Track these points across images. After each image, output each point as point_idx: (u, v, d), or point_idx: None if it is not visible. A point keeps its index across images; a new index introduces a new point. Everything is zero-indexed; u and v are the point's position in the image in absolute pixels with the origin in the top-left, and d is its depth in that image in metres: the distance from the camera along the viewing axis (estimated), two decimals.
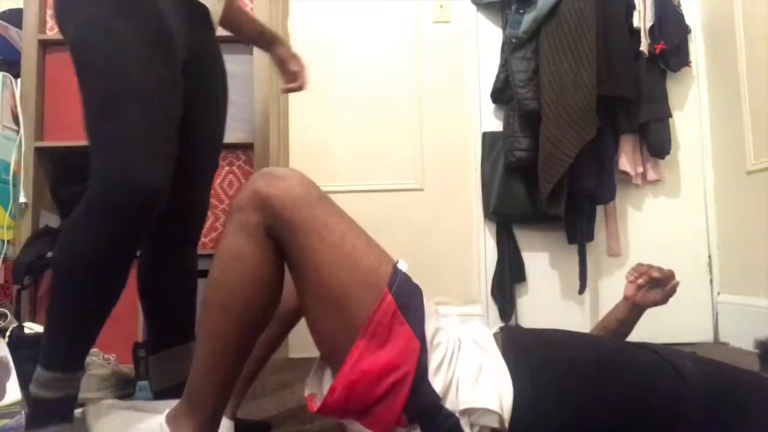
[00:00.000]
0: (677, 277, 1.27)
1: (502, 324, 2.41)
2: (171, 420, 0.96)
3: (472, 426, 0.88)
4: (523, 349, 0.97)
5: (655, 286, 1.26)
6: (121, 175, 1.02)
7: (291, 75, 1.62)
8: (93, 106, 1.07)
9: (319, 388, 0.98)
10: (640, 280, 1.25)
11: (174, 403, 1.00)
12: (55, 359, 1.07)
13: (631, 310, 1.28)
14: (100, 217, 1.03)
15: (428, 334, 0.91)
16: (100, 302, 1.08)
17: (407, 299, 0.92)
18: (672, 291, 1.26)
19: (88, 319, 1.08)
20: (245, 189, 0.94)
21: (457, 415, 0.88)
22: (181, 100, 1.15)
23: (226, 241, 0.94)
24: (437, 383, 0.89)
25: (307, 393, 0.99)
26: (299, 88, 1.63)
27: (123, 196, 1.02)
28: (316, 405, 0.94)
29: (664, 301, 1.27)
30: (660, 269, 1.25)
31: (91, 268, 1.05)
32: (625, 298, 1.28)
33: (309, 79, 1.63)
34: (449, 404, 0.89)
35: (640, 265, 1.28)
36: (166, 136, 1.09)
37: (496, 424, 0.87)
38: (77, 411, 1.13)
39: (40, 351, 1.07)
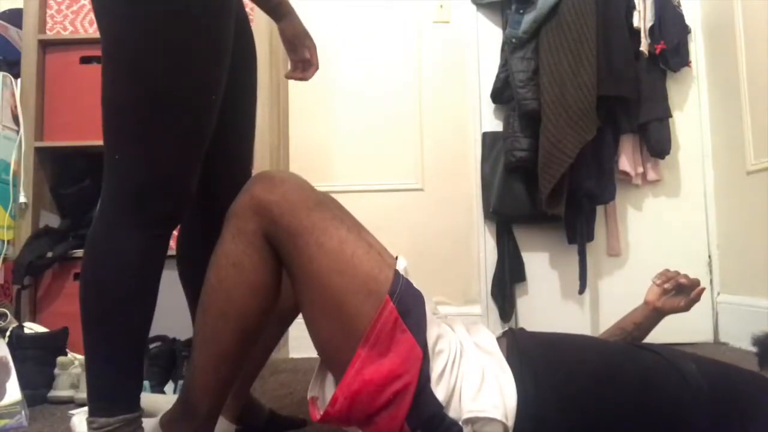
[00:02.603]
0: None
1: (502, 323, 2.42)
2: (166, 424, 0.96)
3: None
4: (528, 353, 0.96)
5: (680, 292, 1.25)
6: (172, 181, 0.96)
7: (297, 59, 1.35)
8: (141, 99, 0.95)
9: (321, 392, 0.97)
10: (667, 285, 1.24)
11: (172, 399, 1.00)
12: (120, 397, 0.95)
13: (650, 315, 1.26)
14: (143, 223, 0.96)
15: (430, 341, 0.90)
16: (148, 315, 0.99)
17: (409, 306, 0.90)
18: (697, 298, 1.24)
19: (142, 340, 1.01)
20: (242, 194, 0.93)
21: (460, 423, 0.88)
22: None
23: (223, 247, 0.93)
24: (440, 391, 0.88)
25: (309, 396, 0.99)
26: (302, 78, 1.35)
27: (171, 204, 0.97)
28: (318, 412, 0.93)
29: (687, 308, 1.25)
30: (686, 276, 1.24)
31: (141, 277, 0.97)
32: (646, 302, 1.26)
33: (318, 65, 1.36)
34: (452, 412, 0.88)
35: (667, 270, 1.27)
36: (207, 138, 1.01)
37: None
38: (71, 412, 1.12)
39: (93, 396, 0.94)
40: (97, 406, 0.94)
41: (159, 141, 0.95)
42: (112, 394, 0.95)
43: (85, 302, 0.96)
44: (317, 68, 1.36)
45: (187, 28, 0.94)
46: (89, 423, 0.93)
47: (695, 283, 1.24)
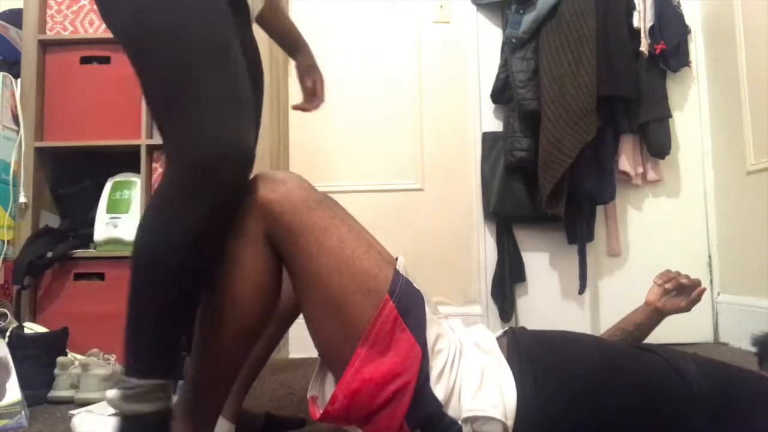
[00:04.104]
0: None
1: (502, 323, 2.42)
2: None
3: None
4: (528, 352, 0.97)
5: (681, 293, 1.25)
6: (234, 138, 0.90)
7: (305, 91, 1.48)
8: (178, 57, 0.92)
9: (321, 391, 0.97)
10: (668, 285, 1.24)
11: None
12: (156, 361, 0.92)
13: (651, 315, 1.26)
14: (207, 188, 0.89)
15: (430, 340, 0.91)
16: (200, 288, 0.95)
17: (408, 305, 0.91)
18: (698, 298, 1.24)
19: (189, 310, 0.95)
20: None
21: (459, 422, 0.88)
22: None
23: (225, 246, 0.93)
24: (439, 390, 0.88)
25: (309, 395, 0.99)
26: (306, 109, 1.48)
27: (232, 166, 0.90)
28: (318, 411, 0.93)
29: (688, 308, 1.25)
30: (687, 276, 1.25)
31: (195, 247, 0.91)
32: (647, 302, 1.27)
33: (323, 98, 1.50)
34: (452, 411, 0.88)
35: (668, 270, 1.27)
36: (250, 105, 0.99)
37: (499, 431, 0.87)
38: (71, 412, 1.12)
39: (129, 357, 0.92)
40: (132, 367, 0.91)
41: (204, 109, 0.91)
42: (150, 358, 0.92)
43: (139, 267, 0.92)
44: (322, 101, 1.49)
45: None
46: (120, 383, 0.91)
47: (696, 283, 1.24)
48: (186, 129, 0.91)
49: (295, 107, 1.47)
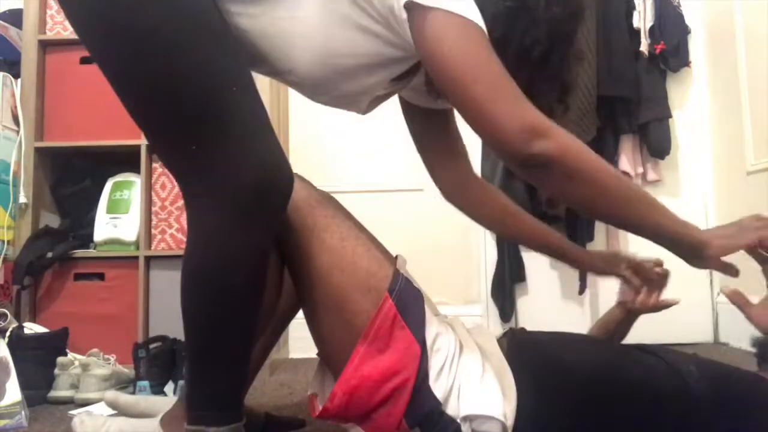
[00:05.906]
0: (678, 278, 1.25)
1: (502, 323, 2.42)
2: (167, 423, 0.96)
3: None
4: (528, 353, 0.97)
5: (651, 288, 1.23)
6: (277, 161, 0.86)
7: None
8: (210, 78, 0.85)
9: (321, 389, 0.98)
10: (634, 280, 1.22)
11: (172, 401, 1.00)
12: (229, 404, 0.89)
13: (623, 315, 1.25)
14: (260, 214, 0.84)
15: (429, 338, 0.91)
16: (260, 311, 0.91)
17: (408, 304, 0.91)
18: (664, 304, 1.19)
19: (254, 339, 0.93)
20: None
21: (458, 421, 0.88)
22: None
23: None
24: (438, 389, 0.89)
25: (309, 393, 0.99)
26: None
27: (283, 186, 0.87)
28: (317, 408, 0.94)
29: (655, 308, 1.20)
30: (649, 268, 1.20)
31: (262, 273, 0.89)
32: (618, 303, 1.25)
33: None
34: (450, 410, 0.88)
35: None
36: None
37: (498, 431, 0.87)
38: (71, 412, 1.12)
39: (201, 407, 0.88)
40: (204, 414, 0.88)
41: (245, 131, 0.86)
42: (222, 401, 0.89)
43: (201, 304, 0.88)
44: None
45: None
46: None
47: (664, 273, 1.19)
48: (232, 155, 0.84)
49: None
